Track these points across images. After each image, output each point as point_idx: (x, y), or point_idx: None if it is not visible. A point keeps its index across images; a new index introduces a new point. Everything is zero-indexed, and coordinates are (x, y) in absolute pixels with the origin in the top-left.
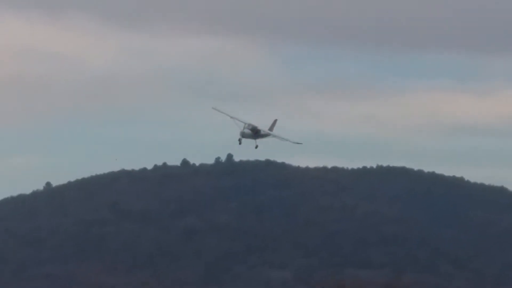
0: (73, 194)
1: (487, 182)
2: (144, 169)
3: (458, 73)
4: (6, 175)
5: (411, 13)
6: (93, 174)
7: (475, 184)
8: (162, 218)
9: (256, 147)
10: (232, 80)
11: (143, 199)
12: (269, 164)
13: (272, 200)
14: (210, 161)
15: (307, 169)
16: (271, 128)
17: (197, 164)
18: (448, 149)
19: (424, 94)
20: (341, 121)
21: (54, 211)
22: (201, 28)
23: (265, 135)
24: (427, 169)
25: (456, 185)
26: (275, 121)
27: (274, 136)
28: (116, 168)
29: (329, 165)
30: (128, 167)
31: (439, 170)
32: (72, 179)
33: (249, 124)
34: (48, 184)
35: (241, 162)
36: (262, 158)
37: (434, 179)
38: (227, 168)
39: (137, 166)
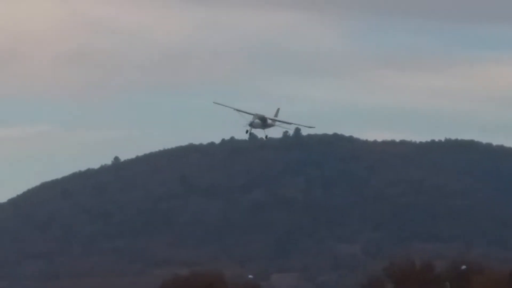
0: (141, 168)
1: None
2: (212, 143)
3: None
4: (75, 150)
5: None
6: (161, 148)
7: None
8: (230, 192)
9: (266, 137)
10: (301, 54)
11: (211, 173)
12: (336, 137)
13: (340, 174)
14: (278, 135)
15: (375, 142)
16: (275, 117)
17: (265, 138)
18: None
19: (494, 66)
20: (409, 94)
21: (122, 185)
22: (269, 2)
23: (272, 124)
24: (495, 142)
25: None
26: (278, 109)
27: (284, 123)
28: (184, 142)
29: (397, 139)
30: (196, 141)
31: (507, 144)
32: (140, 153)
33: (256, 114)
34: (116, 158)
35: (308, 136)
36: (329, 131)
37: (503, 152)
38: (294, 142)
39: (205, 141)
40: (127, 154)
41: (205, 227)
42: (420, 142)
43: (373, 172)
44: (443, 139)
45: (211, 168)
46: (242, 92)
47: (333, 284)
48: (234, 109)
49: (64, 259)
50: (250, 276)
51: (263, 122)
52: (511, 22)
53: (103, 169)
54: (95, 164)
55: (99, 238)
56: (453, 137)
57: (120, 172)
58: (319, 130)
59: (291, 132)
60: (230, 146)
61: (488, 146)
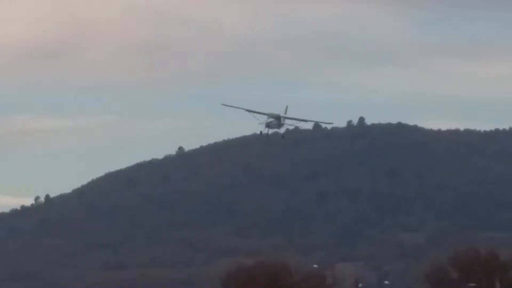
0: (205, 158)
1: None
2: (276, 133)
3: None
4: (139, 140)
5: None
6: (225, 138)
7: None
8: (294, 182)
9: (283, 136)
10: (364, 43)
11: (276, 163)
12: (401, 126)
13: (404, 163)
14: (342, 124)
15: (439, 131)
16: (285, 114)
17: (329, 127)
18: None
19: None
20: (474, 83)
21: (186, 175)
22: None
23: (284, 123)
24: None
25: None
26: (287, 107)
27: (299, 120)
28: (248, 132)
29: (462, 127)
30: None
31: None
32: (204, 143)
33: (271, 114)
34: (180, 148)
35: (373, 125)
36: (394, 121)
37: None
38: (359, 131)
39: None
40: (191, 144)
41: (270, 216)
42: (485, 131)
43: (437, 161)
44: (507, 128)
45: (276, 158)
46: (303, 82)
47: (398, 273)
48: (245, 110)
49: (129, 249)
50: (314, 266)
51: (279, 121)
52: None
53: (168, 159)
54: (159, 154)
55: (163, 228)
56: None
57: (184, 162)
58: (383, 119)
59: (355, 121)
60: (294, 135)
61: None
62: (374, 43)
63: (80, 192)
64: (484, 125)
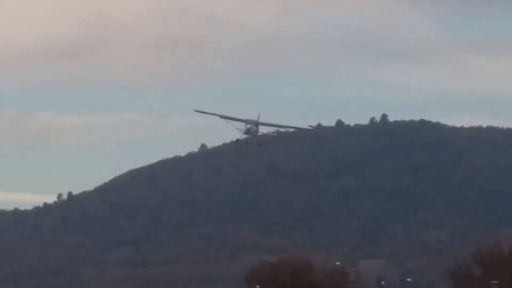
0: (228, 155)
1: None
2: (299, 130)
3: None
4: (162, 137)
5: None
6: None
7: None
8: (317, 179)
9: (261, 144)
10: (388, 40)
11: (298, 160)
12: (423, 124)
13: (427, 160)
14: (365, 121)
15: (462, 128)
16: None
17: (352, 124)
18: None
19: None
20: (497, 80)
21: (209, 172)
22: None
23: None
24: None
25: None
26: (259, 114)
27: (279, 127)
28: (271, 129)
29: (484, 124)
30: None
31: None
32: (227, 140)
33: (249, 120)
34: (203, 145)
35: (395, 122)
36: (416, 118)
37: None
38: (381, 128)
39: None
40: (214, 141)
41: (292, 213)
42: (507, 128)
43: (460, 158)
44: None
45: (298, 155)
46: (326, 80)
47: (421, 270)
48: (220, 116)
49: (151, 246)
50: (337, 263)
51: (257, 128)
52: None
53: (190, 156)
54: (182, 152)
55: (186, 225)
56: None
57: (207, 159)
58: (406, 116)
59: (377, 118)
60: (317, 133)
61: None
62: (397, 40)
63: (102, 190)
64: (507, 122)
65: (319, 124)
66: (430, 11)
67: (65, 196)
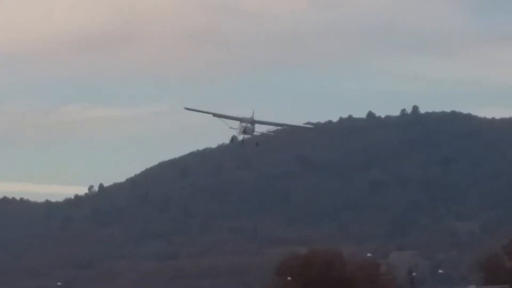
0: (258, 147)
1: None
2: (330, 122)
3: None
4: (193, 129)
5: None
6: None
7: None
8: (348, 171)
9: (257, 144)
10: (419, 32)
11: (328, 152)
12: (455, 115)
13: (458, 152)
14: (396, 113)
15: (493, 120)
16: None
17: (383, 116)
18: None
19: None
20: None
21: (239, 164)
22: None
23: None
24: None
25: None
26: (253, 112)
27: (275, 125)
28: (301, 121)
29: None
30: (314, 119)
31: None
32: (257, 132)
33: (244, 118)
34: (234, 137)
35: (426, 113)
36: (447, 109)
37: None
38: (412, 120)
39: (322, 119)
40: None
41: (322, 205)
42: None
43: (491, 149)
44: None
45: (328, 147)
46: (356, 72)
47: (452, 262)
48: (213, 114)
49: (182, 238)
50: (368, 254)
51: (253, 126)
52: None
53: (221, 148)
54: (212, 144)
55: (216, 217)
56: None
57: (237, 151)
58: (437, 107)
59: (408, 110)
60: (347, 125)
61: None
62: (428, 32)
63: (133, 181)
64: None
65: (349, 116)
66: (461, 3)
67: (96, 188)
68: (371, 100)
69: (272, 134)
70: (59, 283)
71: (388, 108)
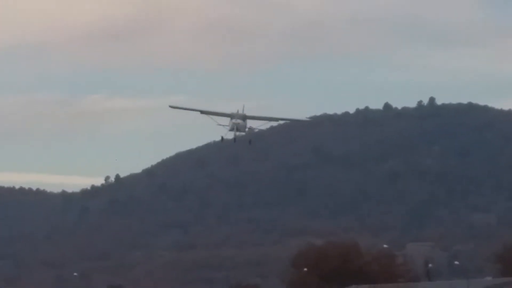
0: (275, 139)
1: None
2: (346, 113)
3: None
4: (209, 120)
5: None
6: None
7: None
8: (365, 162)
9: (250, 142)
10: (436, 24)
11: (346, 144)
12: (471, 107)
13: (475, 143)
14: (413, 104)
15: (509, 111)
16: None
17: (399, 107)
18: None
19: None
20: None
21: (256, 156)
22: None
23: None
24: None
25: None
26: (243, 106)
27: (269, 120)
28: (318, 112)
29: None
30: (330, 111)
31: None
32: (275, 123)
33: (235, 114)
34: (250, 129)
35: (443, 105)
36: (464, 101)
37: None
38: (429, 111)
39: (339, 110)
40: (262, 124)
41: (340, 197)
42: None
43: (508, 141)
44: None
45: (346, 138)
46: (374, 63)
47: (468, 254)
48: (200, 111)
49: (199, 229)
50: (385, 246)
51: (245, 123)
52: None
53: (238, 139)
54: (230, 134)
55: (234, 208)
56: None
57: (254, 143)
58: (453, 99)
59: (425, 101)
60: (364, 116)
61: None
62: (445, 23)
63: (150, 172)
64: None
65: (366, 107)
66: None
67: (112, 179)
68: (388, 91)
69: (265, 129)
70: (75, 274)
71: (404, 99)
